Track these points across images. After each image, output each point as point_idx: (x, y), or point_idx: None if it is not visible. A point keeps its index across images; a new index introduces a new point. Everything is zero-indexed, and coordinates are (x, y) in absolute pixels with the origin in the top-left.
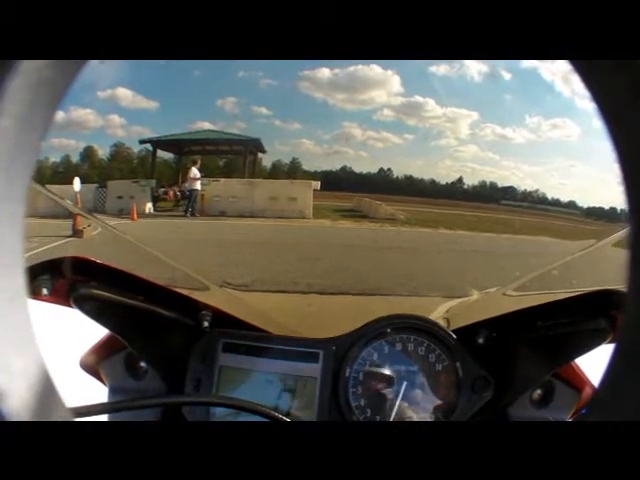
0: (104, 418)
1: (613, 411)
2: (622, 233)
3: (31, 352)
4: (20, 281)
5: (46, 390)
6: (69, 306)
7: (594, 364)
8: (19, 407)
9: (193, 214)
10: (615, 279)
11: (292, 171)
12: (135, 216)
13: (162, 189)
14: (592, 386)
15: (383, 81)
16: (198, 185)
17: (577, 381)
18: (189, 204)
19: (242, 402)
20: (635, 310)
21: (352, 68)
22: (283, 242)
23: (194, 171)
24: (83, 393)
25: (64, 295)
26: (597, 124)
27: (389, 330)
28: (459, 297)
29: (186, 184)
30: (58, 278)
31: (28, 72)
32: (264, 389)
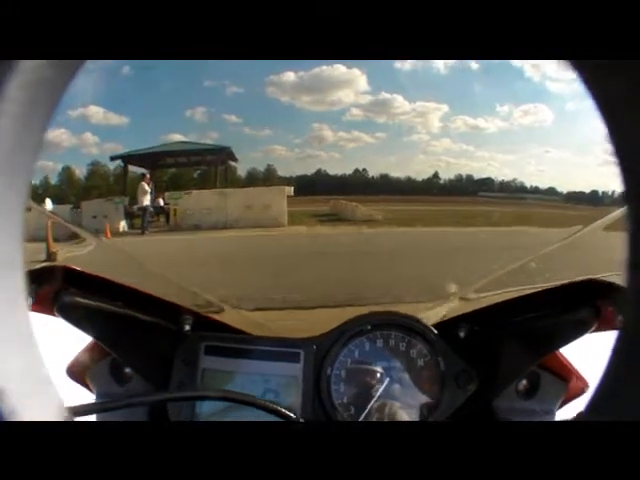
0: (92, 418)
1: (613, 411)
2: (600, 222)
3: (30, 352)
4: (19, 281)
5: (44, 390)
6: (53, 314)
7: (586, 355)
8: (18, 407)
9: (144, 231)
10: (597, 266)
11: (266, 178)
12: (109, 235)
13: (136, 206)
14: (579, 375)
15: (349, 80)
16: (147, 200)
17: (563, 371)
18: (144, 221)
19: (239, 395)
20: (635, 310)
21: (317, 69)
22: (257, 254)
23: (143, 186)
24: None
25: (48, 304)
26: (569, 107)
27: (369, 327)
28: (445, 301)
29: (160, 199)
30: (41, 287)
31: (27, 72)
32: (247, 390)
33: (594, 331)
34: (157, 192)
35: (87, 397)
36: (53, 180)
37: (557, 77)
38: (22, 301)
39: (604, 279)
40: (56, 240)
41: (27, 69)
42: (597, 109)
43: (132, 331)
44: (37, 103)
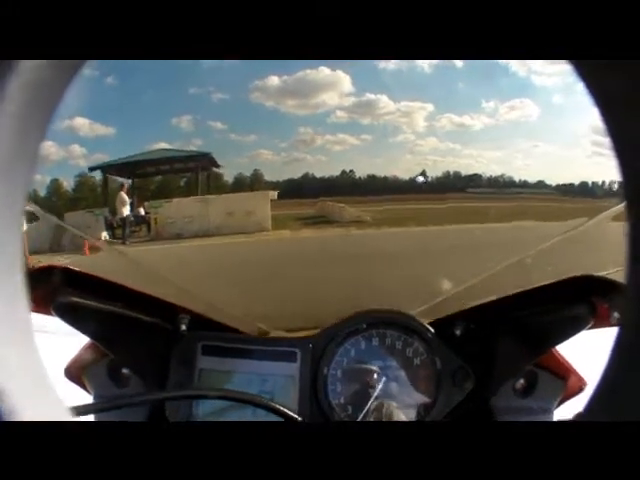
0: (91, 419)
1: (613, 411)
2: (591, 221)
3: (30, 352)
4: (19, 280)
5: (44, 390)
6: (50, 315)
7: (584, 353)
8: (17, 407)
9: (124, 241)
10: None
11: (253, 183)
12: (87, 252)
13: (117, 216)
14: (577, 373)
15: (333, 83)
16: (127, 210)
17: (561, 369)
18: (124, 231)
19: (239, 394)
20: (635, 310)
21: (300, 73)
22: (235, 262)
23: (122, 196)
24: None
25: (44, 304)
26: (555, 101)
27: (365, 326)
28: (440, 300)
29: (140, 208)
30: (38, 287)
31: (27, 72)
32: (244, 390)
33: (590, 328)
34: (138, 201)
35: (84, 399)
36: (42, 193)
37: (542, 71)
38: (22, 301)
39: (599, 276)
40: (35, 252)
41: (27, 69)
42: (597, 108)
43: (128, 331)
44: (37, 104)
